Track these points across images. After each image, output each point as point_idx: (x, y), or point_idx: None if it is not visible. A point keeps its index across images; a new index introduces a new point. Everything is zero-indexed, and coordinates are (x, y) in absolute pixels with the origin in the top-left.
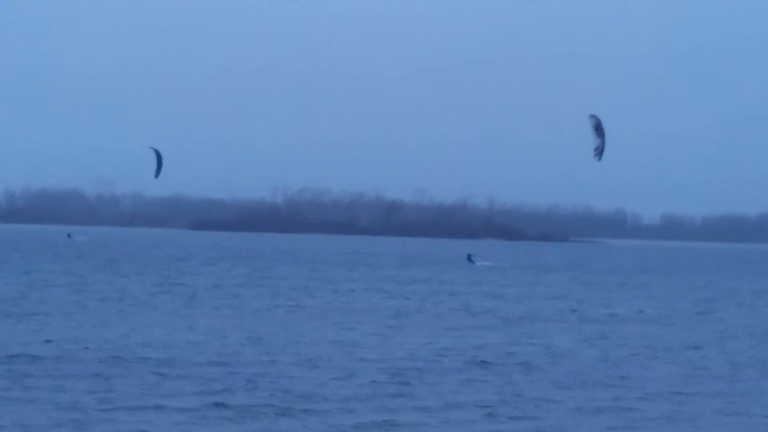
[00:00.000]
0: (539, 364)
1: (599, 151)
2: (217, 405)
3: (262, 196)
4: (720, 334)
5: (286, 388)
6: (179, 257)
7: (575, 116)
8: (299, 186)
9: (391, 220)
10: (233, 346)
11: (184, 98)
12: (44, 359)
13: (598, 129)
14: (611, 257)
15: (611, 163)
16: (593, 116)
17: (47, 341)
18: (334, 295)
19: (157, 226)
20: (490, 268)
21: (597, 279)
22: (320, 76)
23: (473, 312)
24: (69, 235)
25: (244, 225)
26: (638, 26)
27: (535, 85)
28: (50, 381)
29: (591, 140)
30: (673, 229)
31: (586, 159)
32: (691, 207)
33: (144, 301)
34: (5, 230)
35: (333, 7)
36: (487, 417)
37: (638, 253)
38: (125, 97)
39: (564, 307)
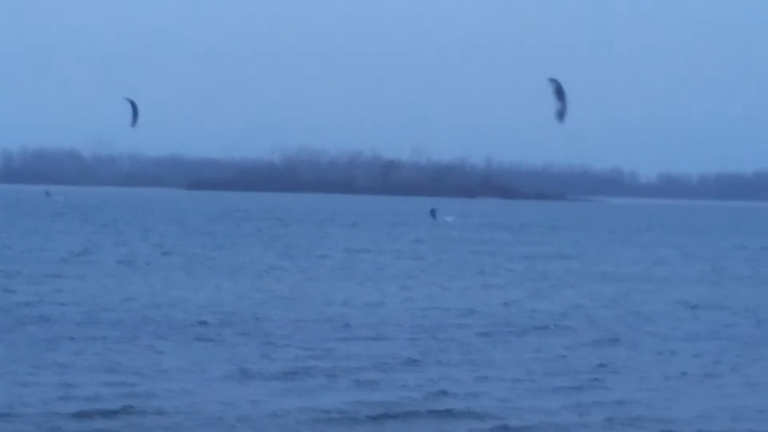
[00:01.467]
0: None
1: (561, 114)
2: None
3: (259, 156)
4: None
5: (328, 348)
6: (178, 219)
7: (565, 75)
8: (296, 145)
9: (388, 179)
10: (263, 307)
11: (182, 59)
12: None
13: (559, 92)
14: (592, 214)
15: (608, 122)
16: (553, 80)
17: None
18: (346, 254)
19: (155, 186)
20: (453, 223)
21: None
22: (318, 36)
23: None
24: (47, 194)
25: (241, 185)
26: None
27: (531, 43)
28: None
29: (552, 104)
30: (670, 187)
31: (583, 116)
32: (688, 165)
33: (156, 263)
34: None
35: None
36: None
37: (626, 211)
38: (122, 59)
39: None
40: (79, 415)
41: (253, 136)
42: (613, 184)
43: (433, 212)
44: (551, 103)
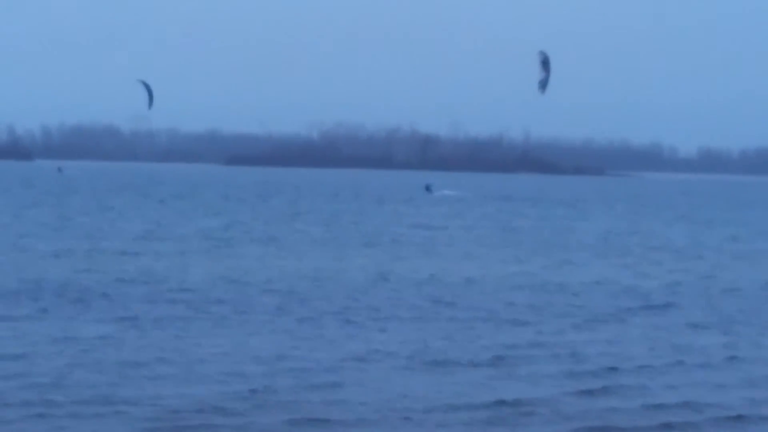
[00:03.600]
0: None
1: (543, 85)
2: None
3: (297, 131)
4: None
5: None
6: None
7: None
8: (334, 120)
9: (426, 155)
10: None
11: (219, 35)
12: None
13: (545, 64)
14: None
15: (647, 96)
16: (542, 52)
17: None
18: (415, 230)
19: (192, 161)
20: (450, 197)
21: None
22: (357, 12)
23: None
24: (59, 169)
25: (279, 160)
26: None
27: (570, 17)
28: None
29: (537, 73)
30: (710, 162)
31: (622, 91)
32: (728, 140)
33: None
34: (44, 165)
35: None
36: None
37: (668, 186)
38: (160, 35)
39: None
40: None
41: (291, 111)
42: (652, 158)
43: (428, 187)
44: (536, 74)
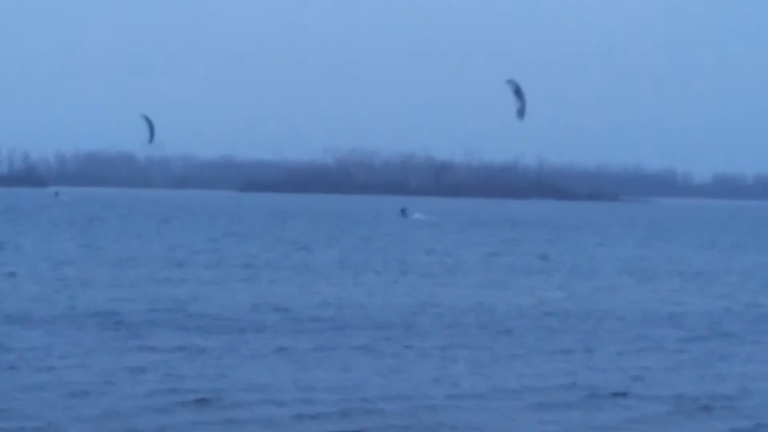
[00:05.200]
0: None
1: (521, 113)
2: None
3: (311, 157)
4: None
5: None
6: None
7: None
8: (349, 147)
9: (441, 181)
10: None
11: (233, 62)
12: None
13: (518, 92)
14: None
15: (660, 121)
16: (511, 81)
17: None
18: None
19: (207, 188)
20: (425, 222)
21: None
22: (369, 38)
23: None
24: (56, 194)
25: (293, 186)
26: None
27: (584, 42)
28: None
29: (512, 103)
30: (724, 187)
31: (635, 118)
32: (742, 165)
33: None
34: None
35: None
36: None
37: (685, 212)
38: (174, 63)
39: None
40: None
41: (305, 137)
42: (666, 184)
43: (403, 211)
44: (511, 104)
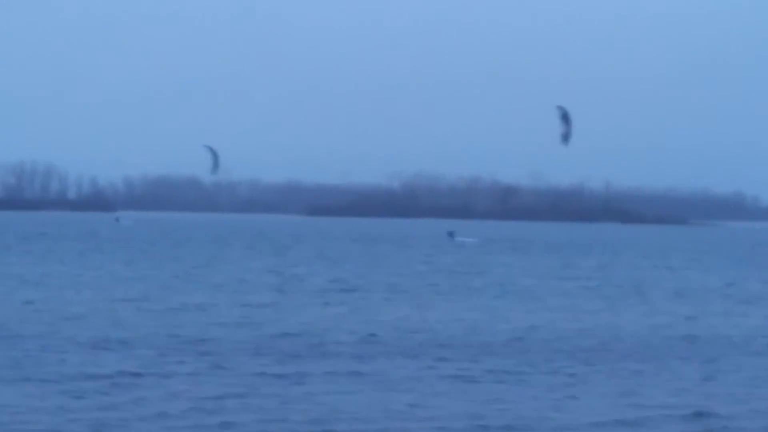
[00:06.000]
0: None
1: (565, 138)
2: None
3: (377, 181)
4: None
5: None
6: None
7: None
8: (415, 170)
9: (507, 204)
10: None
11: (299, 86)
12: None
13: (565, 118)
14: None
15: (729, 145)
16: (560, 107)
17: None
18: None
19: (273, 212)
20: (470, 244)
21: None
22: (435, 63)
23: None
24: (117, 219)
25: (359, 210)
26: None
27: (654, 63)
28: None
29: (558, 127)
30: None
31: (703, 140)
32: None
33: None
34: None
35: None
36: None
37: (756, 235)
38: (240, 88)
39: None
40: None
41: (371, 161)
42: (734, 207)
43: (451, 234)
44: (557, 128)
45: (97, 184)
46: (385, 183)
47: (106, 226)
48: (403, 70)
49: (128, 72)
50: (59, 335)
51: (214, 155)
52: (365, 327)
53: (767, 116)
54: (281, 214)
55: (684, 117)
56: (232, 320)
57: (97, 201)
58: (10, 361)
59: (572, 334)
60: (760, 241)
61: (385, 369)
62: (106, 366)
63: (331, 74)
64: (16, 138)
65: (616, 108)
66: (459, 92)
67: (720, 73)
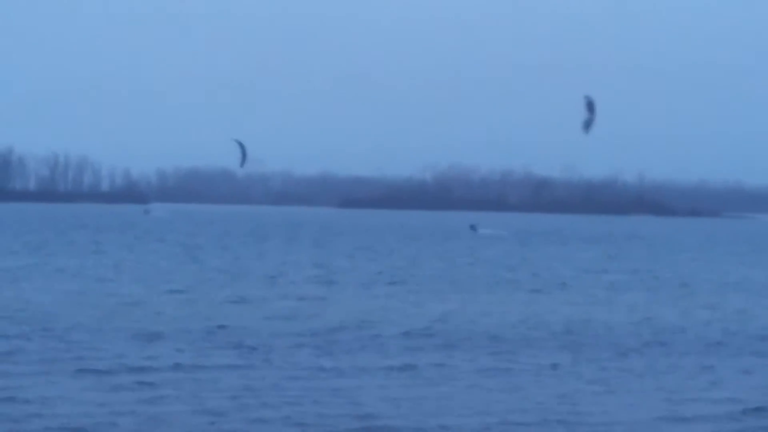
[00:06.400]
0: None
1: (587, 125)
2: None
3: (410, 174)
4: None
5: None
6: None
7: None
8: (448, 163)
9: (540, 197)
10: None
11: (332, 78)
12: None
13: (590, 106)
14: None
15: (763, 138)
16: (587, 96)
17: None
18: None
19: (306, 204)
20: (492, 236)
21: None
22: (469, 55)
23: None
24: (145, 211)
25: (392, 203)
26: None
27: (689, 56)
28: None
29: (582, 114)
30: None
31: (736, 134)
32: None
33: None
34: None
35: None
36: None
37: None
38: (271, 81)
39: None
40: None
41: (404, 154)
42: (767, 200)
43: (473, 227)
44: (582, 115)
45: (130, 176)
46: (418, 175)
47: (137, 218)
48: (436, 64)
49: (161, 65)
50: (108, 327)
51: (243, 149)
52: (414, 320)
53: None
54: (313, 206)
55: (717, 109)
56: (279, 313)
57: (130, 193)
58: (59, 352)
59: (620, 328)
60: None
61: (436, 362)
62: (155, 358)
63: (364, 67)
64: (50, 131)
65: (649, 100)
66: (491, 85)
67: (755, 65)
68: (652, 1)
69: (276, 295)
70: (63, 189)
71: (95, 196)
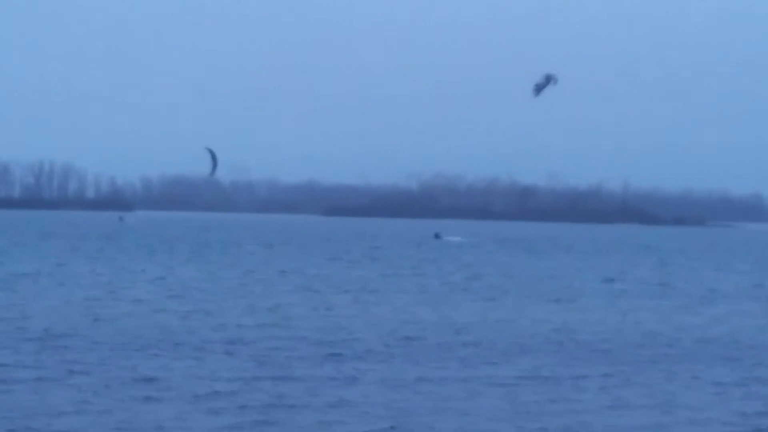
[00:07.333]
0: None
1: (539, 89)
2: None
3: (395, 182)
4: None
5: None
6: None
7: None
8: (433, 171)
9: (525, 205)
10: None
11: (317, 86)
12: None
13: (550, 78)
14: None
15: (748, 147)
16: (553, 75)
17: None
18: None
19: (291, 212)
20: (457, 243)
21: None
22: (456, 63)
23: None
24: (120, 218)
25: (377, 211)
26: None
27: (673, 67)
28: None
29: (537, 78)
30: None
31: (721, 143)
32: None
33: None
34: (151, 216)
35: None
36: None
37: None
38: (256, 87)
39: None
40: None
41: (389, 162)
42: (752, 209)
43: (437, 235)
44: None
45: (115, 183)
46: (404, 183)
47: (111, 225)
48: (422, 72)
49: (146, 73)
50: (118, 337)
51: (213, 157)
52: (400, 328)
53: None
54: (298, 214)
55: (702, 118)
56: (258, 322)
57: (114, 200)
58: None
59: (620, 336)
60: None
61: (425, 371)
62: (169, 369)
63: (348, 76)
64: (35, 138)
65: (634, 109)
66: (477, 93)
67: (739, 74)
68: (636, 11)
69: (245, 306)
70: (48, 196)
71: (80, 203)
